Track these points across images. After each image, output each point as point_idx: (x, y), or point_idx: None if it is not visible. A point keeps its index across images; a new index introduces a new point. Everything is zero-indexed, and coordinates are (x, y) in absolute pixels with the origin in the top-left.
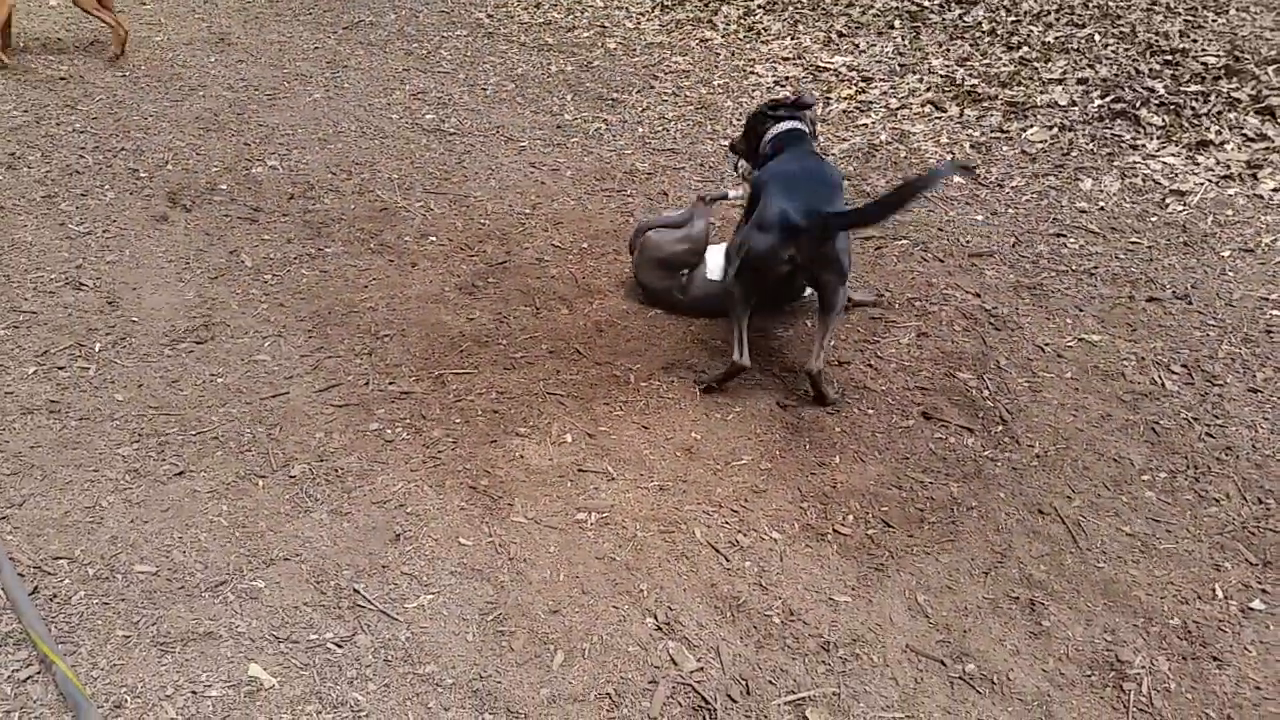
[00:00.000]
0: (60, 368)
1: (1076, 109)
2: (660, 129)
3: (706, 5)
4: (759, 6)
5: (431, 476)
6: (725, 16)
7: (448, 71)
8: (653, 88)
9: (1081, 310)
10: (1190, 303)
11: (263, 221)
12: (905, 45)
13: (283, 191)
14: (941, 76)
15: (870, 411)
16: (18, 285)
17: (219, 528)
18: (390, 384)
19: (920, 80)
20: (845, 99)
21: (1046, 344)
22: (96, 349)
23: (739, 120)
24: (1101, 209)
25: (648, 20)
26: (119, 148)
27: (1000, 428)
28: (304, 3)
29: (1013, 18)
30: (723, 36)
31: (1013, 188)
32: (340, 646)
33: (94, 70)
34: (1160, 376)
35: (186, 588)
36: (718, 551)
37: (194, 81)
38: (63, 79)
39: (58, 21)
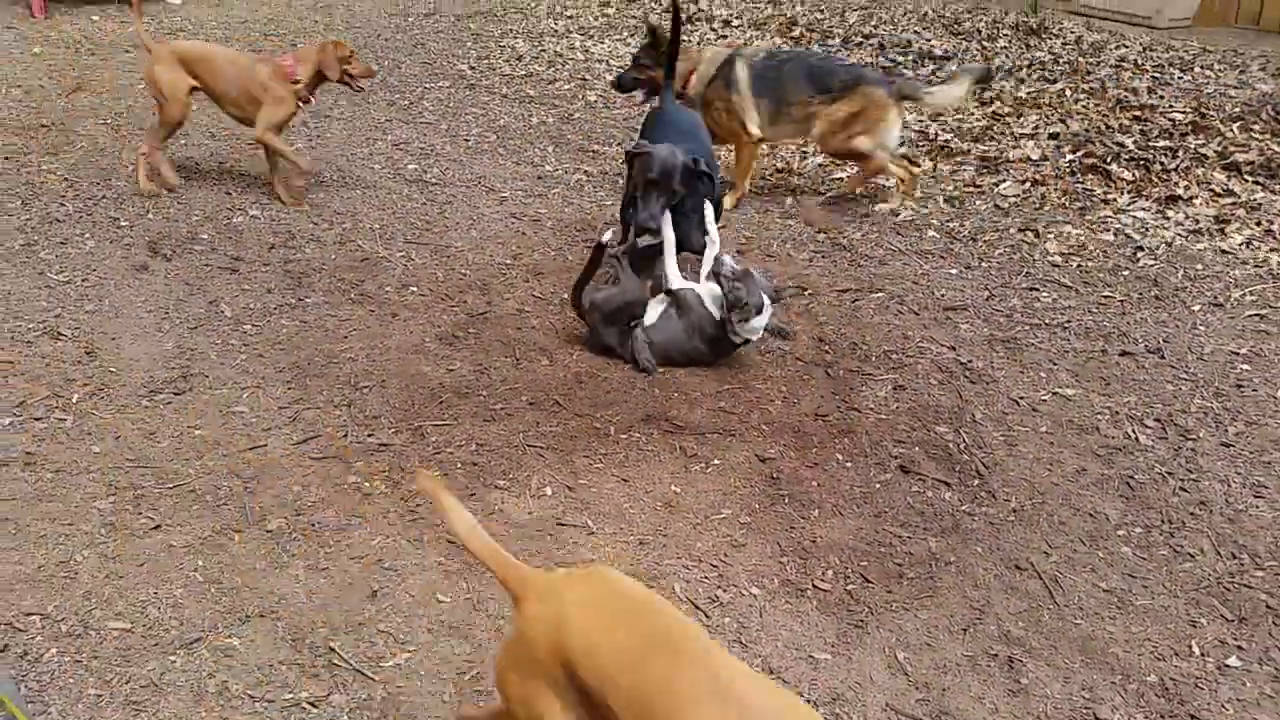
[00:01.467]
0: (37, 418)
1: (1048, 163)
2: None
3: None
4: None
5: (409, 531)
6: None
7: (430, 122)
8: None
9: (1055, 364)
10: (1163, 357)
11: (243, 271)
12: None
13: (264, 241)
14: (916, 131)
15: (848, 465)
16: None
17: (194, 583)
18: (369, 436)
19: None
20: (820, 153)
21: (1021, 398)
22: (74, 400)
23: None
24: (1073, 263)
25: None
26: (100, 196)
27: (977, 481)
28: (284, 49)
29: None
30: None
31: (986, 241)
32: (315, 706)
33: (76, 118)
34: (1134, 431)
35: (161, 644)
36: (697, 607)
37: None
38: (44, 126)
39: (39, 69)
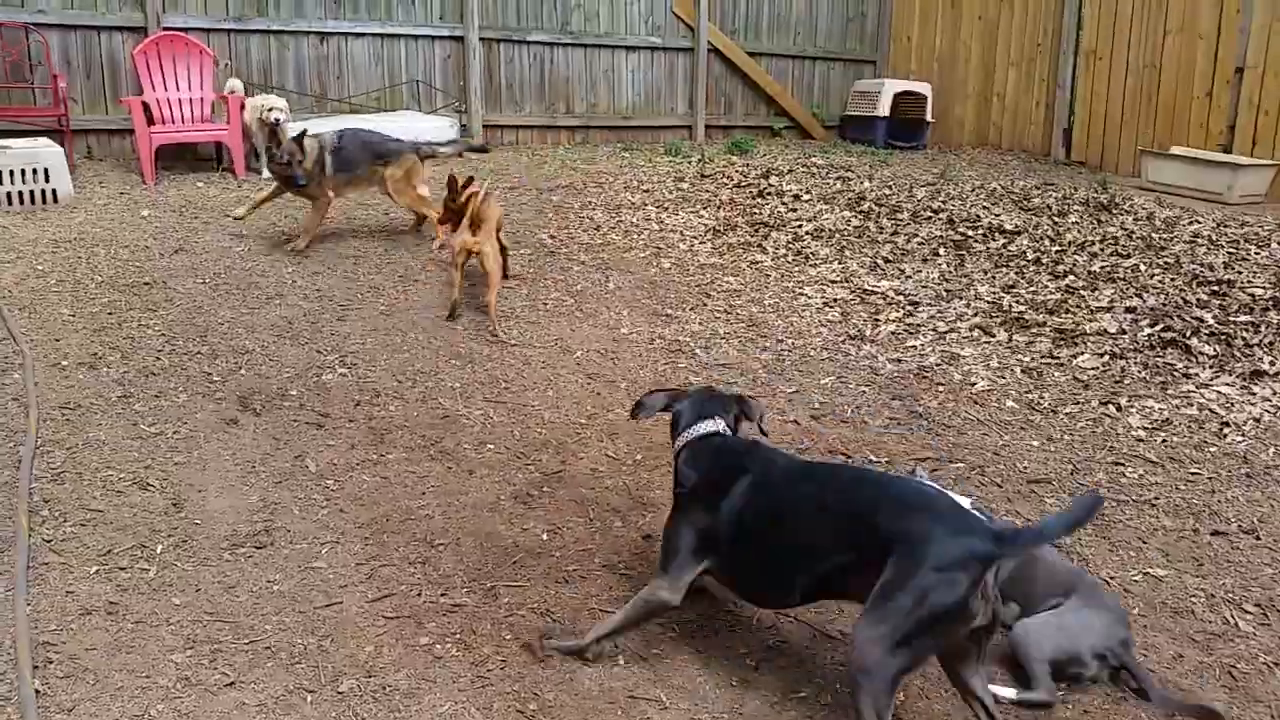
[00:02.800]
0: (121, 568)
1: (1126, 337)
2: (713, 345)
3: (757, 231)
4: (807, 234)
5: (479, 698)
6: (775, 241)
7: (510, 287)
8: (705, 305)
9: (1145, 543)
10: (1258, 538)
11: (329, 427)
12: (950, 272)
13: (350, 398)
14: (988, 302)
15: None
16: (88, 483)
17: None
18: (442, 595)
19: (967, 305)
20: (893, 321)
21: (1111, 578)
22: (158, 551)
23: (790, 337)
24: (1158, 438)
25: (701, 243)
26: (195, 351)
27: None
28: (378, 221)
29: (1057, 247)
30: (772, 260)
31: (1066, 414)
32: None
33: (176, 276)
34: (1233, 616)
35: None
36: None
37: (271, 290)
38: (146, 284)
39: (146, 230)
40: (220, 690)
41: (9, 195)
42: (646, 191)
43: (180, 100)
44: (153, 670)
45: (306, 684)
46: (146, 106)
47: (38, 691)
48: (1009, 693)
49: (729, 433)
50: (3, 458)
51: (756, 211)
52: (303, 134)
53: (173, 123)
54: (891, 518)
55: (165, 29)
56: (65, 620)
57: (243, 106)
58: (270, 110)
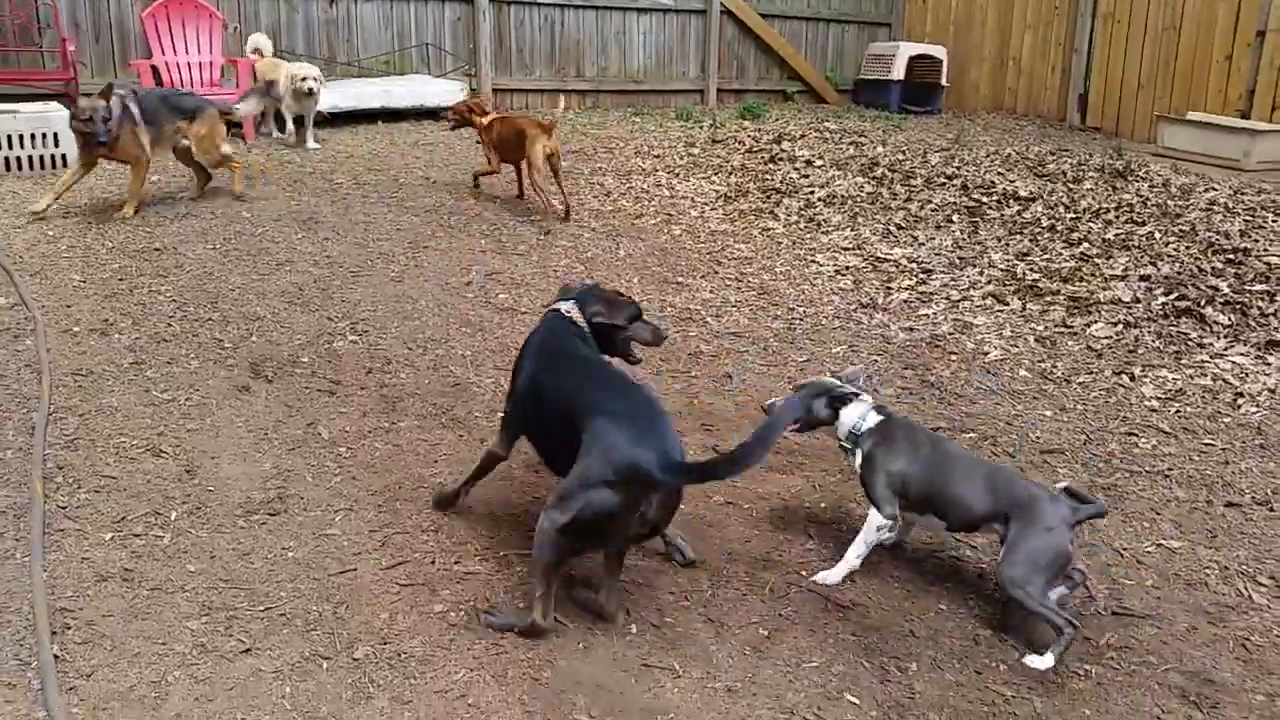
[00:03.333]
0: (136, 535)
1: (1140, 305)
2: (724, 312)
3: (769, 197)
4: (819, 200)
5: (494, 665)
6: (787, 208)
7: (521, 254)
8: (716, 273)
9: (1158, 514)
10: (1272, 509)
11: (340, 394)
12: (964, 239)
13: (361, 365)
14: (1002, 270)
15: (949, 618)
16: (101, 450)
17: (281, 711)
18: (455, 563)
19: (980, 273)
20: (906, 289)
21: (1124, 549)
22: (172, 518)
23: (801, 305)
24: (1172, 409)
25: (712, 210)
26: (206, 318)
27: (1083, 639)
28: (388, 186)
29: (1071, 214)
30: (784, 226)
31: (1079, 384)
32: None
33: (187, 243)
34: (1246, 588)
35: None
36: None
37: (281, 257)
38: (157, 250)
39: (157, 195)
40: (236, 657)
41: (18, 160)
42: (657, 157)
43: (189, 64)
44: (169, 637)
45: (322, 650)
46: (155, 70)
47: (57, 657)
48: (1044, 661)
49: None
50: (17, 424)
51: (768, 177)
52: (109, 88)
53: (182, 86)
54: (586, 413)
55: None
56: (82, 586)
57: (253, 70)
58: (304, 79)
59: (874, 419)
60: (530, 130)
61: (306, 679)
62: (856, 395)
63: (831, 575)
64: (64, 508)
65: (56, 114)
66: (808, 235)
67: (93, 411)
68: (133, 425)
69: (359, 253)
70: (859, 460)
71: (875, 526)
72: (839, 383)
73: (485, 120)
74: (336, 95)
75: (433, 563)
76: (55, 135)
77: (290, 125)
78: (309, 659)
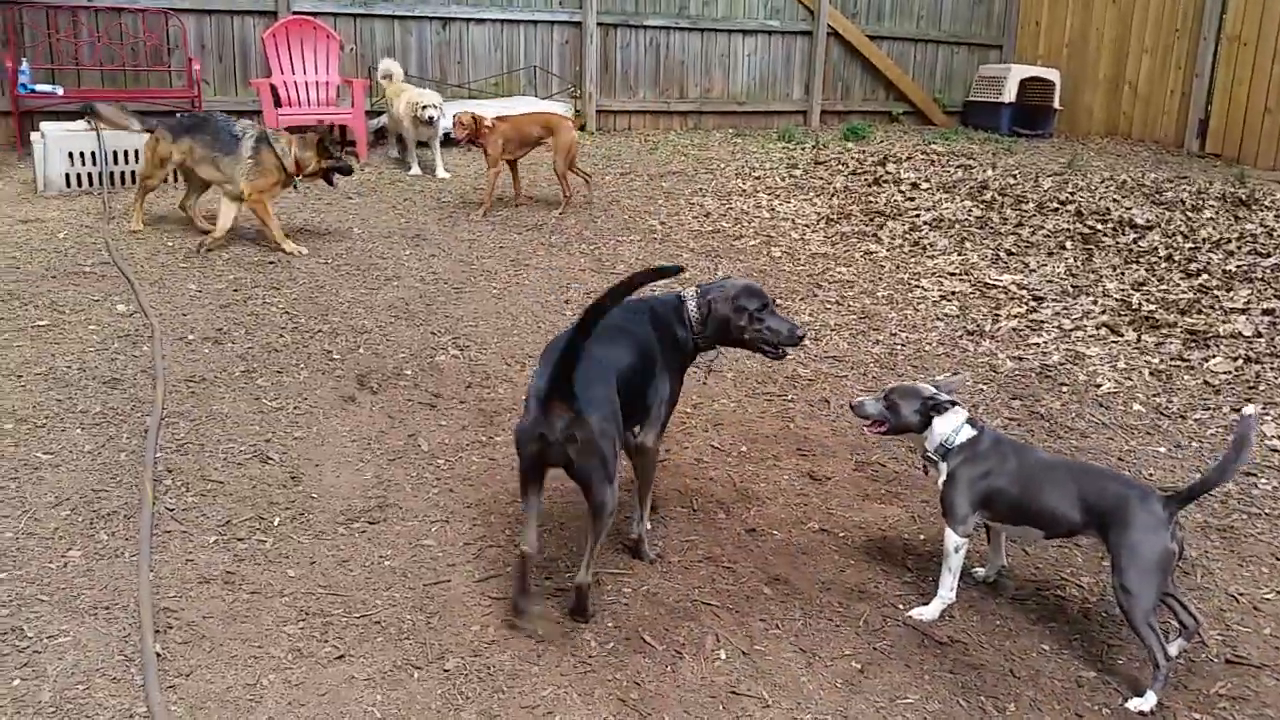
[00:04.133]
0: (239, 539)
1: (1263, 340)
2: (823, 336)
3: (872, 220)
4: (925, 223)
5: (581, 683)
6: (890, 231)
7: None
8: (816, 296)
9: (1278, 559)
10: None
11: (441, 408)
12: (1077, 266)
13: (462, 380)
14: (1116, 300)
15: (1051, 658)
16: (210, 455)
17: (371, 719)
18: (546, 579)
19: (1094, 303)
20: (1015, 317)
21: (1241, 594)
22: (275, 523)
23: (904, 331)
24: None
25: (813, 232)
26: (316, 330)
27: (1193, 686)
28: (494, 205)
29: (1190, 244)
30: (887, 250)
31: (1196, 420)
32: None
33: (300, 257)
34: None
35: None
36: None
37: (389, 272)
38: (271, 263)
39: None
40: (330, 663)
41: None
42: (758, 178)
43: (307, 83)
44: (266, 640)
45: (414, 660)
46: (274, 89)
47: (159, 654)
48: (1147, 702)
49: None
50: (131, 427)
51: (872, 200)
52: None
53: (299, 105)
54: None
55: (295, 13)
56: (185, 588)
57: (368, 90)
58: (425, 107)
59: (967, 433)
60: (556, 120)
61: (397, 688)
62: (952, 405)
63: (927, 611)
64: (172, 510)
65: None
66: (912, 259)
67: (204, 417)
68: (241, 432)
69: (463, 269)
70: (943, 476)
71: (954, 547)
72: (934, 389)
73: (489, 120)
74: (446, 118)
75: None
76: None
77: (413, 151)
78: (400, 668)
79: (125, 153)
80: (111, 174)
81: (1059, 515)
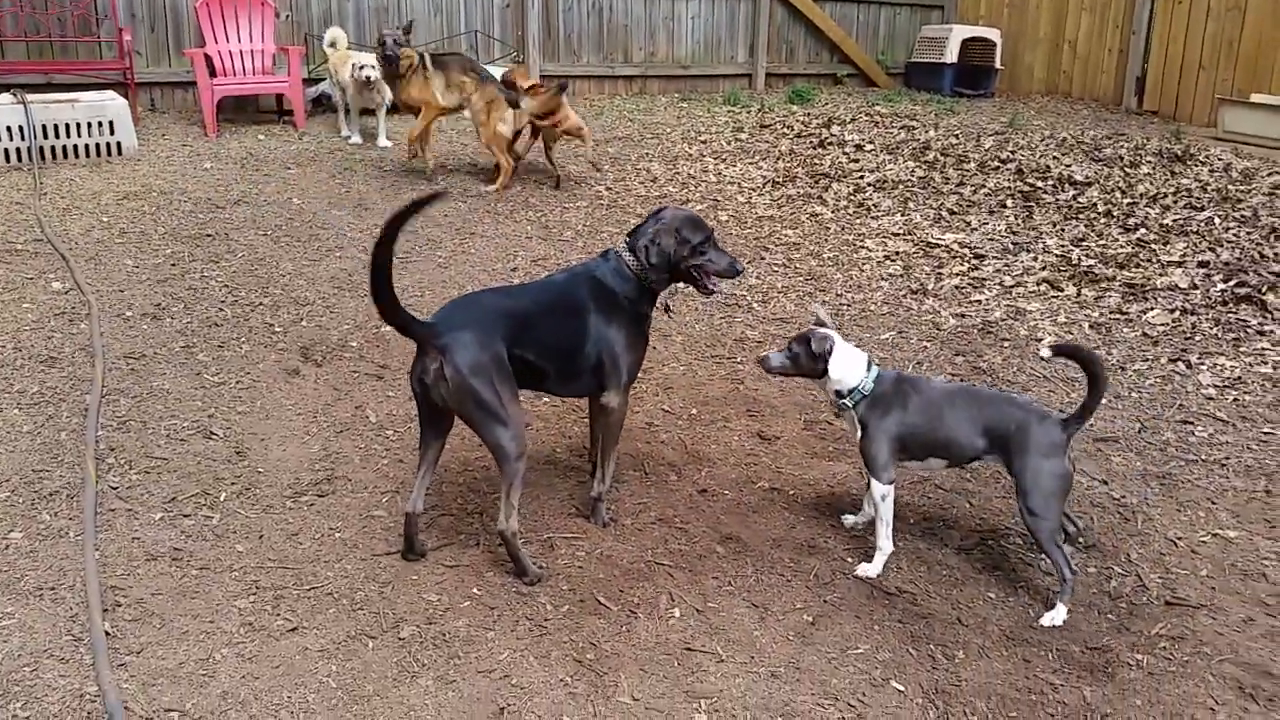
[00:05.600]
0: (186, 515)
1: (1198, 292)
2: (771, 299)
3: (817, 182)
4: (869, 185)
5: (537, 646)
6: (835, 193)
7: (567, 240)
8: (763, 258)
9: (1215, 503)
10: None
11: (388, 378)
12: (1018, 224)
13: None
14: (1056, 256)
15: (998, 604)
16: (152, 431)
17: (327, 689)
18: (499, 545)
19: (1035, 259)
20: (957, 275)
21: (1179, 538)
22: (222, 498)
23: (850, 291)
24: (1229, 396)
25: (759, 195)
26: (257, 303)
27: (1134, 628)
28: (437, 172)
29: (1128, 200)
30: (833, 212)
31: (1135, 371)
32: None
33: (238, 228)
34: None
35: None
36: None
37: (331, 243)
38: (209, 236)
39: (209, 183)
40: (283, 635)
41: (75, 148)
42: (704, 142)
43: (242, 52)
44: (217, 615)
45: (368, 630)
46: (209, 59)
47: (108, 633)
48: (1057, 616)
49: None
50: (70, 406)
51: (817, 162)
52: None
53: (235, 75)
54: None
55: None
56: (132, 565)
57: (304, 57)
58: (362, 67)
59: (872, 377)
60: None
61: (352, 658)
62: (832, 341)
63: (871, 568)
64: (115, 488)
65: (111, 103)
66: (857, 220)
67: (145, 394)
68: (184, 408)
69: (407, 239)
70: (857, 429)
71: (880, 496)
72: (827, 331)
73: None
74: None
75: (477, 545)
76: (111, 123)
77: (356, 120)
78: (355, 638)
79: (55, 126)
80: (41, 149)
81: (964, 443)
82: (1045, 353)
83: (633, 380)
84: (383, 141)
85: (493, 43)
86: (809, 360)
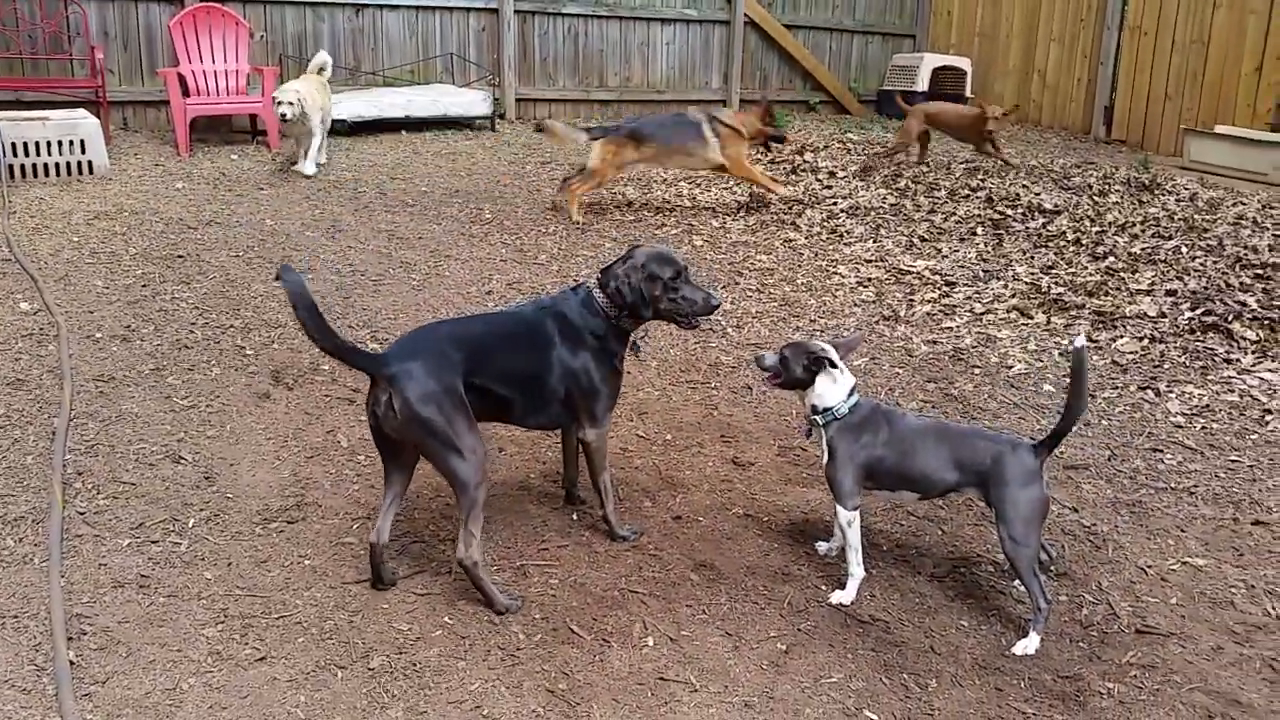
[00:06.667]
0: (154, 541)
1: (1166, 320)
2: (745, 324)
3: (790, 209)
4: (841, 211)
5: (509, 676)
6: (809, 219)
7: (542, 263)
8: (738, 284)
9: (1184, 531)
10: None
11: (360, 402)
12: (988, 251)
13: None
14: (1026, 284)
15: (970, 632)
16: (120, 456)
17: None
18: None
19: (1005, 287)
20: (929, 301)
21: (1149, 566)
22: (190, 524)
23: (823, 317)
24: (1198, 425)
25: (734, 220)
26: (228, 325)
27: (1105, 656)
28: (411, 195)
29: (1097, 228)
30: (806, 238)
31: (1104, 398)
32: None
33: (210, 249)
34: (1274, 608)
35: None
36: None
37: (304, 265)
38: (180, 257)
39: (181, 203)
40: (251, 665)
41: (46, 166)
42: None
43: (216, 72)
44: (184, 644)
45: (337, 659)
46: (182, 78)
47: (72, 663)
48: (1030, 645)
49: None
50: (38, 429)
51: (791, 189)
52: None
53: (208, 94)
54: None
55: (202, 1)
56: (98, 593)
57: (279, 78)
58: (279, 104)
59: (851, 404)
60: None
61: (321, 688)
62: (834, 365)
63: (845, 595)
64: (83, 513)
65: (83, 121)
66: (830, 247)
67: (113, 417)
68: (153, 432)
69: (381, 261)
70: (825, 453)
71: (846, 522)
72: (824, 347)
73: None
74: (360, 104)
75: (449, 572)
76: (82, 142)
77: (303, 149)
78: (324, 667)
79: (25, 145)
80: (10, 167)
81: (934, 479)
82: (1080, 341)
83: (608, 413)
84: (308, 168)
85: (469, 66)
86: (800, 367)
